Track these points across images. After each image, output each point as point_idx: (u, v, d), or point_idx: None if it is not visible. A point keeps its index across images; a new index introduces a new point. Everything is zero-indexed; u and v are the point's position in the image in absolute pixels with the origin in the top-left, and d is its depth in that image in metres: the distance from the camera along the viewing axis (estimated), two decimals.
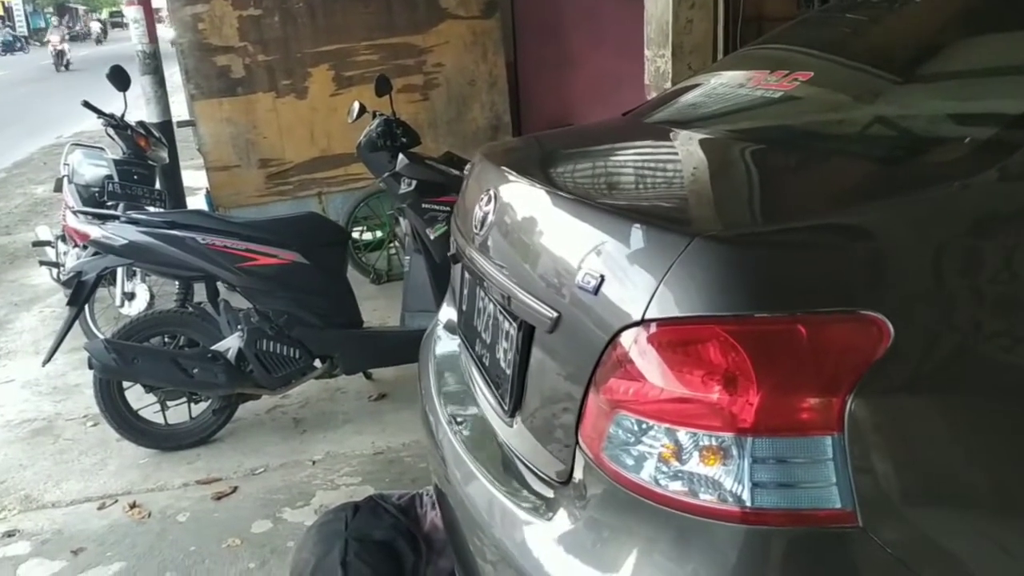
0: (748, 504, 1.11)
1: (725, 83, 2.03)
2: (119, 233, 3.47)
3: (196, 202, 7.00)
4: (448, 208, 3.89)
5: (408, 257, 4.07)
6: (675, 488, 1.18)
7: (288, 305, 3.65)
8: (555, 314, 1.37)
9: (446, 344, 2.24)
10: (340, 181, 5.85)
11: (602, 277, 1.27)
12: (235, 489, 3.34)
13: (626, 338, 1.22)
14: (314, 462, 3.52)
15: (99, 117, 4.96)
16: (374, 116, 4.07)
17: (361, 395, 4.12)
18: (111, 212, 3.93)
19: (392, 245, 5.82)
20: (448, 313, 2.36)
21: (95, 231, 3.47)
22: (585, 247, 1.33)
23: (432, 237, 3.87)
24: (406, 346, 3.92)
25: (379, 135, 3.88)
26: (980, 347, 1.15)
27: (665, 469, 1.19)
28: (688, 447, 1.17)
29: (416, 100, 5.80)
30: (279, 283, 3.62)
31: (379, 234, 5.86)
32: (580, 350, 1.32)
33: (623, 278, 1.25)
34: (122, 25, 57.00)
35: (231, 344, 3.60)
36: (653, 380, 1.19)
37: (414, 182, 3.86)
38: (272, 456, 3.58)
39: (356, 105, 4.09)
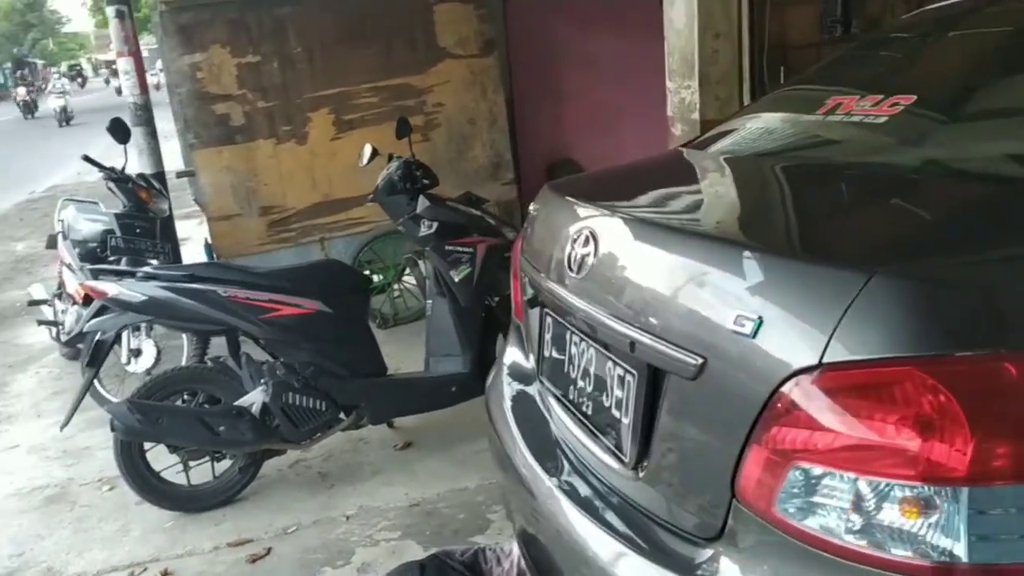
0: (964, 560, 1.02)
1: (802, 110, 1.97)
2: (137, 289, 3.35)
3: (189, 252, 6.88)
4: (471, 249, 3.82)
5: (430, 301, 3.97)
6: (862, 541, 1.10)
7: (313, 356, 3.54)
8: (699, 360, 1.29)
9: (518, 392, 2.14)
10: (342, 226, 5.76)
11: (760, 319, 1.19)
12: (269, 551, 3.20)
13: (798, 384, 1.14)
14: (348, 517, 3.39)
15: (100, 171, 4.85)
16: (390, 159, 4.00)
17: (386, 444, 3.99)
18: (127, 268, 3.81)
19: (397, 289, 5.72)
20: (513, 357, 2.27)
21: (112, 288, 3.34)
22: (734, 288, 1.26)
23: (456, 279, 3.79)
24: (433, 392, 3.83)
25: (400, 178, 3.81)
26: None
27: (850, 521, 1.11)
28: (878, 498, 1.09)
29: (417, 141, 5.67)
30: (303, 333, 3.51)
31: (383, 278, 5.77)
32: (735, 398, 1.23)
33: (787, 320, 1.17)
34: (77, 78, 56.75)
35: (255, 399, 3.48)
36: (835, 427, 1.11)
37: (435, 224, 3.78)
38: (302, 513, 3.45)
39: (368, 149, 4.02)
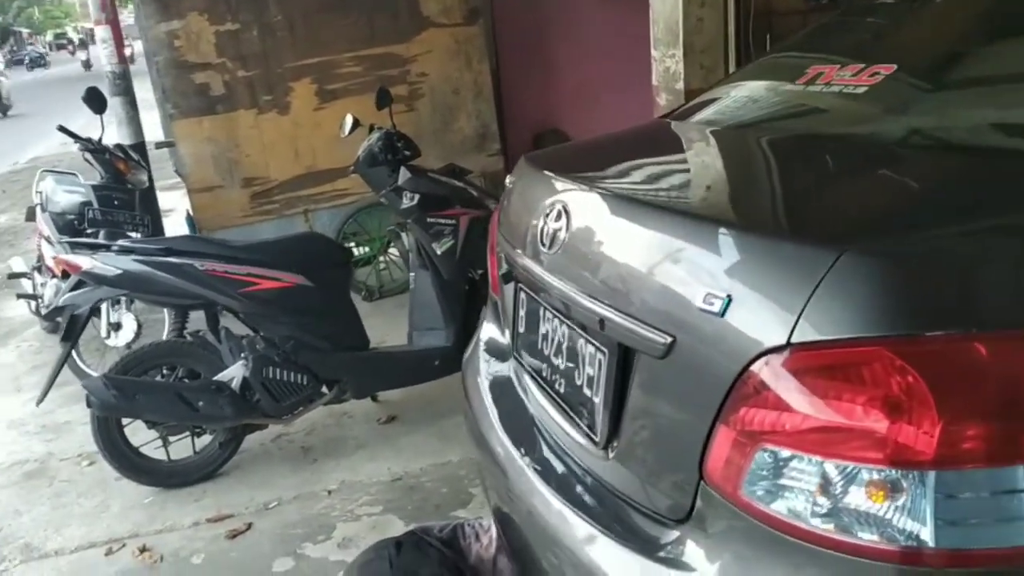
0: (930, 544, 1.00)
1: (784, 80, 1.93)
2: (113, 263, 3.30)
3: (171, 224, 6.80)
4: (453, 221, 3.77)
5: (413, 274, 3.93)
6: (829, 525, 1.08)
7: (293, 330, 3.50)
8: (668, 339, 1.25)
9: (494, 368, 2.11)
10: (327, 197, 5.69)
11: (729, 298, 1.16)
12: (250, 526, 3.18)
13: (767, 363, 1.11)
14: (330, 492, 3.37)
15: (76, 142, 4.76)
16: (371, 130, 3.94)
17: (370, 418, 3.97)
18: (102, 242, 3.75)
19: (382, 261, 5.67)
20: (490, 333, 2.24)
21: (87, 262, 3.29)
22: (704, 265, 1.22)
23: (439, 252, 3.74)
24: (416, 366, 3.80)
25: (380, 149, 3.74)
26: None
27: (817, 505, 1.09)
28: (845, 481, 1.06)
29: (401, 111, 5.62)
30: (283, 307, 3.47)
31: (368, 250, 5.72)
32: (703, 378, 1.20)
33: (756, 298, 1.13)
34: (66, 47, 55.90)
35: (235, 373, 3.44)
36: (802, 409, 1.08)
37: (417, 196, 3.73)
38: (284, 488, 3.42)
39: (349, 119, 3.95)
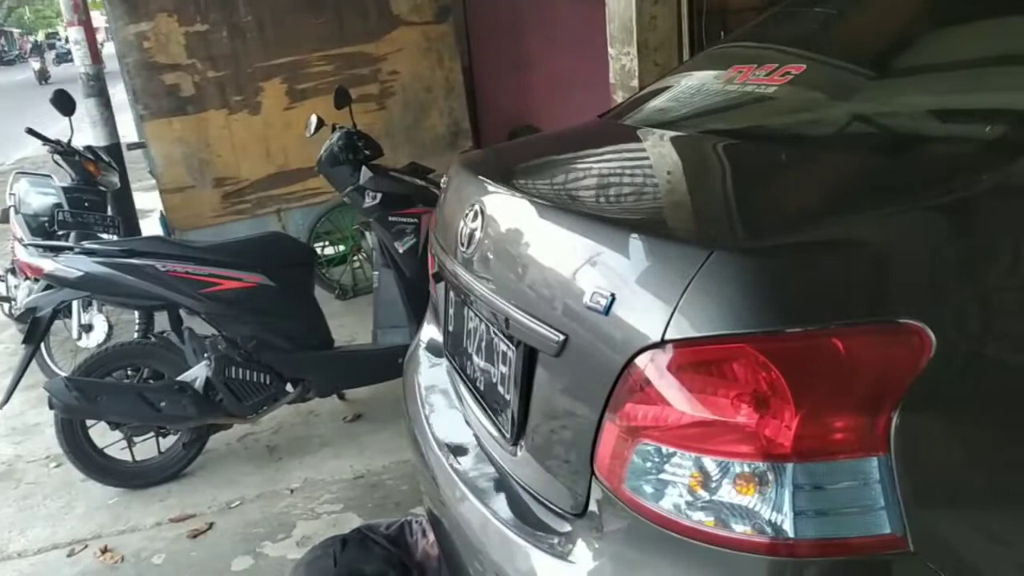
0: (790, 535, 1.03)
1: (708, 79, 1.95)
2: (74, 265, 3.32)
3: (149, 225, 6.81)
4: (416, 220, 3.80)
5: (377, 272, 3.95)
6: (705, 519, 1.10)
7: (256, 329, 3.52)
8: (561, 337, 1.28)
9: (430, 366, 2.14)
10: (299, 196, 5.71)
11: (612, 296, 1.18)
12: (211, 525, 3.21)
13: (644, 360, 1.13)
14: (292, 491, 3.39)
15: (44, 144, 4.77)
16: (333, 129, 3.95)
17: (336, 417, 3.99)
18: (64, 244, 3.76)
19: (356, 259, 5.69)
20: (430, 333, 2.26)
21: (48, 264, 3.31)
22: (591, 264, 1.25)
23: (401, 251, 3.77)
24: (381, 364, 3.82)
25: (340, 149, 3.76)
26: (1020, 350, 1.08)
27: (694, 499, 1.11)
28: (719, 475, 1.09)
29: (372, 110, 5.67)
30: (245, 307, 3.49)
31: (342, 248, 5.74)
32: (592, 375, 1.23)
33: (636, 296, 1.16)
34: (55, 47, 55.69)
35: (198, 373, 3.46)
36: (677, 405, 1.11)
37: (379, 195, 3.75)
38: (247, 487, 3.45)
39: (313, 119, 3.97)
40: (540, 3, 6.47)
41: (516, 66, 6.60)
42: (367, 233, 4.27)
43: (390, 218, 3.76)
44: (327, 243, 5.72)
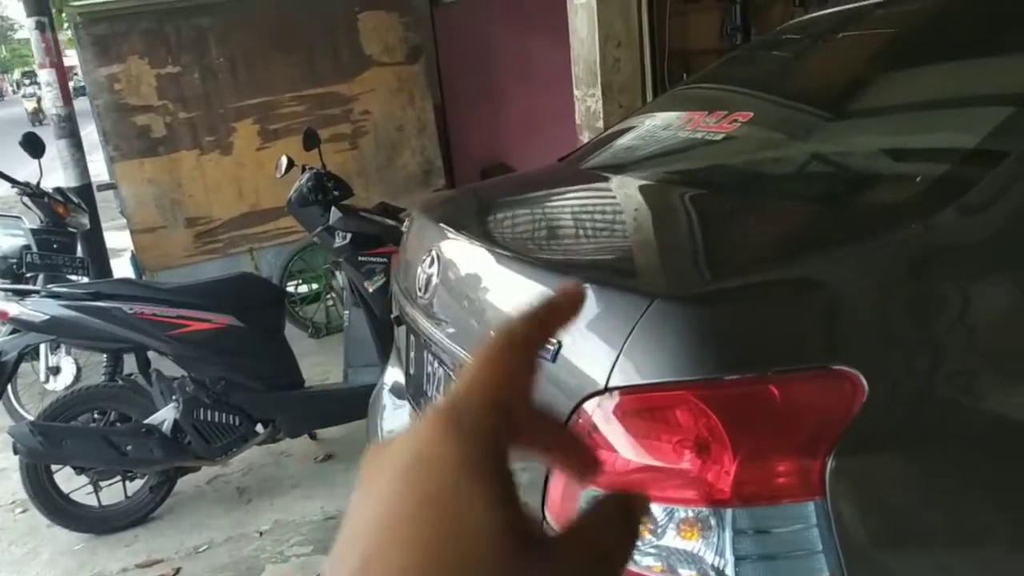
0: None
1: (662, 125, 2.00)
2: (40, 308, 3.30)
3: (121, 265, 6.78)
4: (385, 259, 3.82)
5: (347, 312, 3.96)
6: (652, 565, 1.12)
7: (224, 370, 3.51)
8: None
9: (394, 408, 2.15)
10: (271, 236, 5.72)
11: (559, 343, 1.20)
12: (178, 571, 3.17)
13: (591, 406, 1.15)
14: (261, 533, 3.36)
15: (13, 186, 4.76)
16: (304, 170, 3.98)
17: (307, 457, 3.97)
18: (30, 287, 3.75)
19: (329, 297, 5.69)
20: (394, 375, 2.27)
21: (13, 308, 3.29)
22: None
23: (371, 290, 3.78)
24: (351, 404, 3.80)
25: (310, 189, 3.79)
26: (947, 391, 1.12)
27: (645, 546, 1.13)
28: (663, 521, 1.11)
29: (345, 149, 5.71)
30: (213, 348, 3.48)
31: (315, 287, 5.74)
32: None
33: (582, 344, 1.18)
34: (36, 85, 55.51)
35: (166, 416, 3.44)
36: (621, 451, 1.13)
37: (349, 235, 3.77)
38: (216, 530, 3.41)
39: (284, 160, 4.00)
40: (511, 43, 6.56)
41: (488, 105, 6.68)
42: (337, 273, 4.28)
43: (360, 258, 3.78)
44: (300, 282, 5.72)
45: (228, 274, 4.07)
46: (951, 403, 1.12)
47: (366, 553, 0.33)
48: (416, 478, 0.33)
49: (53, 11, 5.92)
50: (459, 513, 0.32)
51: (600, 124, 3.42)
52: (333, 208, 3.79)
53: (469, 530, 0.32)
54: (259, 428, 3.59)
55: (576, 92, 3.61)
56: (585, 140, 3.61)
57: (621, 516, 0.39)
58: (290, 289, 5.57)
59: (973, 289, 1.15)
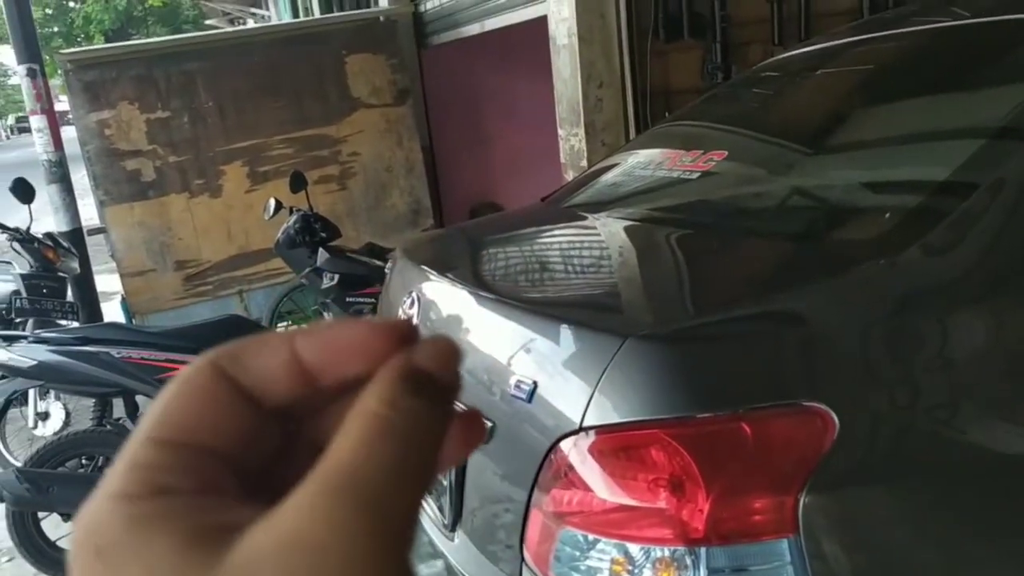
0: None
1: (642, 164, 2.03)
2: (27, 354, 3.30)
3: (112, 308, 6.77)
4: (373, 300, 3.83)
5: None
6: None
7: None
8: (489, 424, 1.30)
9: None
10: (261, 277, 5.72)
11: (535, 383, 1.21)
12: None
13: (567, 446, 1.16)
14: None
15: (3, 232, 4.77)
16: (291, 212, 4.01)
17: None
18: (18, 333, 3.74)
19: None
20: None
21: (1, 354, 3.29)
22: (514, 351, 1.28)
23: None
24: None
25: (297, 231, 3.82)
26: (922, 426, 1.13)
27: None
28: (640, 560, 1.11)
29: (333, 190, 5.74)
30: None
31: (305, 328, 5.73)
32: (519, 461, 1.25)
33: (558, 383, 1.19)
34: (29, 130, 55.58)
35: None
36: (597, 491, 1.13)
37: (336, 276, 3.79)
38: None
39: (272, 202, 4.03)
40: (497, 83, 6.64)
41: (476, 144, 6.74)
42: (326, 314, 4.29)
43: (348, 299, 3.80)
44: (289, 323, 5.72)
45: (216, 317, 4.07)
46: (928, 437, 1.13)
47: None
48: None
49: (45, 57, 5.97)
50: None
51: (584, 163, 3.45)
52: (320, 249, 3.81)
53: None
54: None
55: (560, 131, 3.65)
56: (569, 179, 3.64)
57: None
58: (280, 330, 5.57)
59: (946, 322, 1.17)
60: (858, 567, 1.06)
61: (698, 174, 1.69)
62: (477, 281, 1.64)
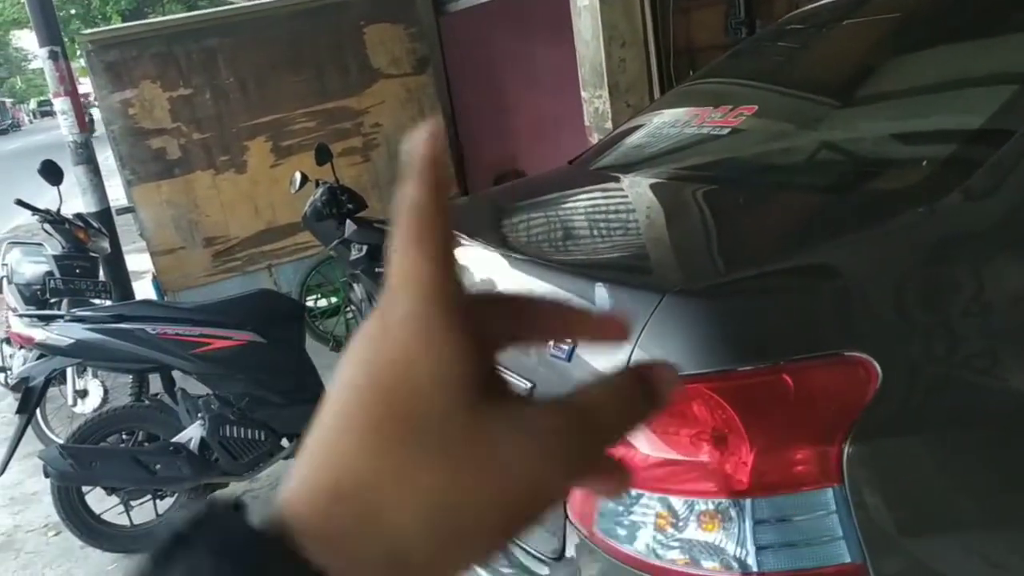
0: (754, 569, 1.05)
1: (669, 122, 2.01)
2: (65, 333, 3.35)
3: (143, 287, 6.86)
4: None
5: None
6: (675, 558, 1.13)
7: (248, 387, 3.54)
8: (529, 384, 1.31)
9: None
10: (289, 251, 5.76)
11: (574, 343, 1.22)
12: None
13: None
14: None
15: (34, 214, 4.83)
16: (317, 185, 4.02)
17: None
18: (55, 312, 3.80)
19: (348, 310, 5.72)
20: None
21: (39, 333, 3.34)
22: None
23: None
24: None
25: (324, 204, 3.82)
26: (962, 373, 1.12)
27: (663, 539, 1.14)
28: (684, 513, 1.12)
29: (357, 162, 5.75)
30: (237, 365, 3.51)
31: (334, 300, 5.77)
32: None
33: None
34: (51, 114, 56.12)
35: (193, 434, 3.48)
36: (639, 446, 1.14)
37: (365, 247, 3.80)
38: None
39: (297, 176, 4.04)
40: (518, 48, 6.57)
41: (499, 111, 6.69)
42: (355, 285, 4.31)
43: (376, 269, 3.81)
44: (319, 296, 5.76)
45: (247, 291, 4.11)
46: (970, 385, 1.13)
47: (330, 410, 0.36)
48: (379, 342, 0.34)
49: (66, 40, 6.00)
50: (412, 365, 0.33)
51: (608, 124, 3.43)
52: (348, 221, 3.82)
53: (420, 378, 0.33)
54: (284, 442, 3.62)
55: (583, 94, 3.62)
56: (594, 141, 3.62)
57: (634, 388, 0.37)
58: (309, 303, 5.61)
59: (985, 270, 1.15)
60: (906, 516, 1.06)
61: (728, 130, 1.67)
62: (510, 244, 1.65)
